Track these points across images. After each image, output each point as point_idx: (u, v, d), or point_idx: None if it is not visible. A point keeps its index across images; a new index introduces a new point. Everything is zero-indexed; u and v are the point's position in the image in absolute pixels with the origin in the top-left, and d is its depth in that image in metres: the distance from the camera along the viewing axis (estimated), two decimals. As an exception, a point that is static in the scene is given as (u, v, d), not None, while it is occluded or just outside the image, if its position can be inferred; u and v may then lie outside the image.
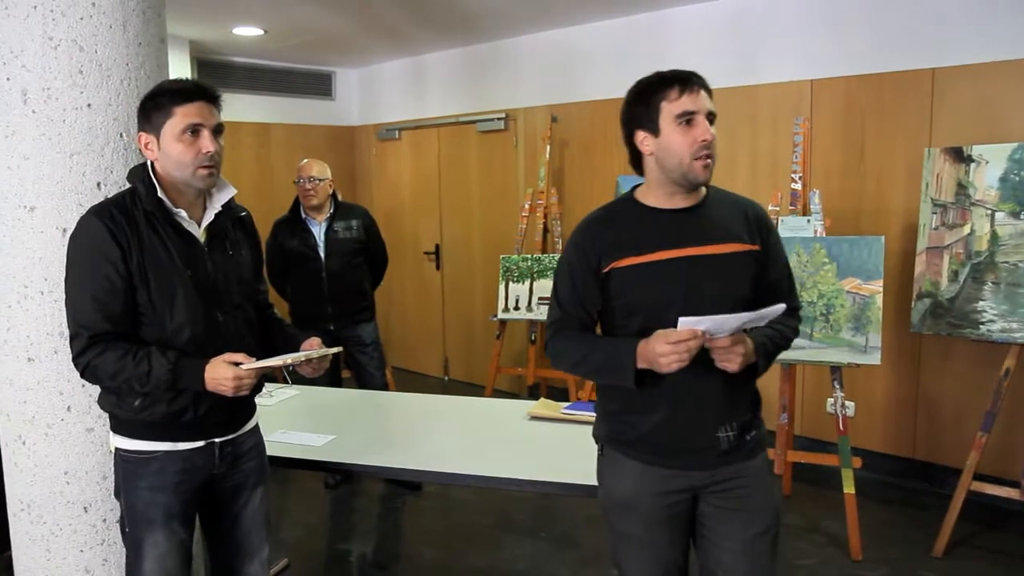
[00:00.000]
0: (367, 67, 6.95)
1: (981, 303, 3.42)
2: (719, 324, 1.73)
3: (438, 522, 3.98)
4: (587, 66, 5.34)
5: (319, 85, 6.87)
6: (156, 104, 1.92)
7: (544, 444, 2.71)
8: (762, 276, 1.92)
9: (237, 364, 1.90)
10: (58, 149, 2.14)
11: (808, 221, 3.73)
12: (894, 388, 4.25)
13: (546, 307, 5.02)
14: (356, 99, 7.11)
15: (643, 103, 1.85)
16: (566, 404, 3.05)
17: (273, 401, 3.24)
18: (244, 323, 2.09)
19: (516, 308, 5.16)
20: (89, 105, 2.15)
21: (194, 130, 1.90)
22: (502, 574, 3.44)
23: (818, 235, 3.69)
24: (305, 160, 4.23)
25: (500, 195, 6.02)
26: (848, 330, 3.57)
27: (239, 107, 6.31)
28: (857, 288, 3.57)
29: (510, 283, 5.17)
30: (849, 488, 3.45)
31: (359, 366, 4.32)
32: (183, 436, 1.99)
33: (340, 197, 4.34)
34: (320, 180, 4.15)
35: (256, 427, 2.23)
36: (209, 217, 2.03)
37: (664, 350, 1.72)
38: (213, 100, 1.95)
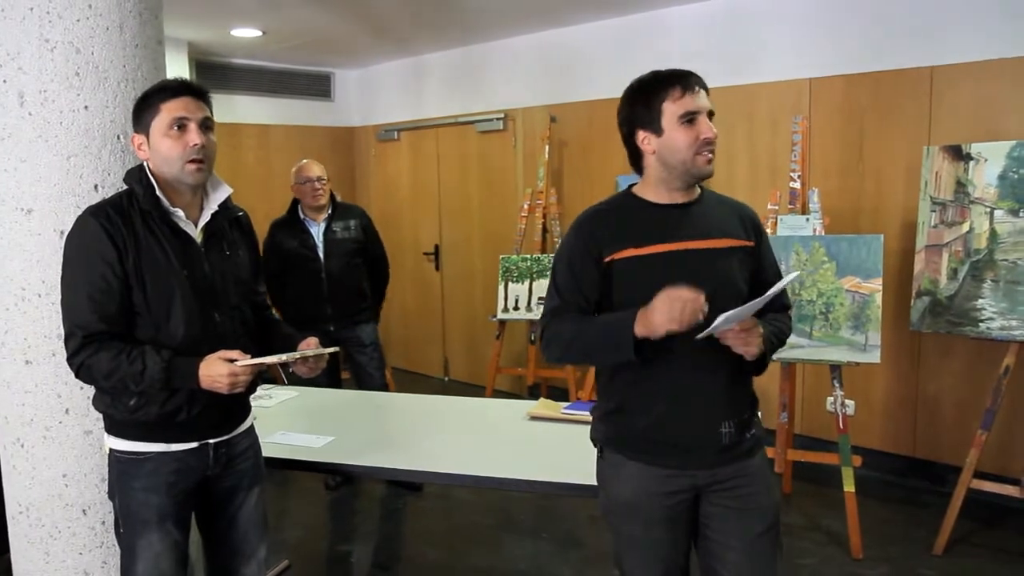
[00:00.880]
0: (366, 68, 6.95)
1: (980, 301, 3.41)
2: (739, 314, 1.75)
3: (439, 523, 3.98)
4: (585, 66, 5.33)
5: (318, 86, 6.87)
6: (145, 104, 1.93)
7: (544, 444, 2.71)
8: (756, 273, 1.96)
9: (232, 361, 1.89)
10: (55, 151, 2.13)
11: (807, 220, 3.73)
12: (894, 386, 4.25)
13: (546, 307, 5.04)
14: (355, 100, 7.11)
15: (643, 103, 1.87)
16: (566, 404, 3.05)
17: (273, 402, 3.24)
18: (241, 324, 2.09)
19: (516, 308, 5.16)
20: (86, 107, 2.15)
21: (180, 124, 1.90)
22: (503, 574, 3.44)
23: (817, 234, 3.69)
24: (304, 161, 4.23)
25: (499, 195, 6.02)
26: (847, 329, 3.56)
27: (238, 108, 6.31)
28: (856, 287, 3.57)
29: (509, 283, 5.17)
30: (849, 487, 3.45)
31: (359, 367, 4.32)
32: (177, 437, 1.99)
33: (339, 198, 4.34)
34: (326, 180, 4.18)
35: (251, 428, 2.22)
36: (206, 217, 2.02)
37: (663, 306, 1.71)
38: (199, 95, 1.95)
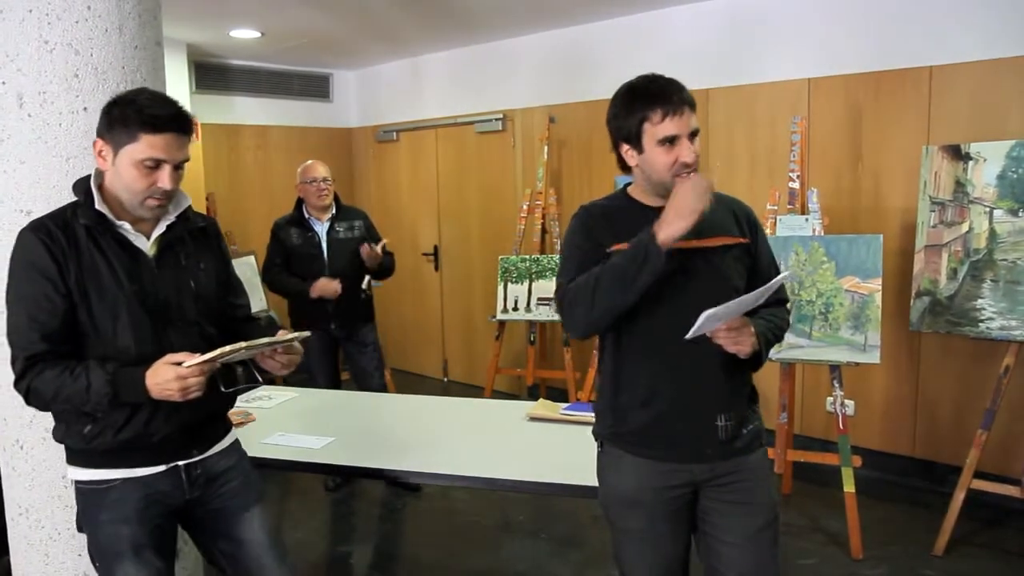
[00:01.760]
0: (365, 69, 6.94)
1: (980, 301, 3.41)
2: (735, 309, 1.75)
3: (438, 524, 3.98)
4: (585, 66, 5.33)
5: (317, 87, 6.87)
6: (123, 119, 1.76)
7: (544, 445, 2.71)
8: (753, 269, 1.96)
9: (180, 364, 1.74)
10: (54, 153, 2.14)
11: (806, 220, 3.73)
12: (893, 387, 4.25)
13: (545, 307, 5.05)
14: (354, 101, 7.11)
15: (626, 119, 1.87)
16: (565, 405, 3.05)
17: (272, 403, 3.23)
18: (201, 340, 1.91)
19: (515, 309, 5.16)
20: (85, 109, 2.15)
21: (156, 163, 1.77)
22: (502, 575, 3.44)
23: (816, 234, 3.69)
24: (310, 162, 4.26)
25: (498, 196, 6.02)
26: (847, 329, 3.56)
27: (237, 109, 6.31)
28: (856, 287, 3.57)
29: (509, 284, 5.17)
30: (849, 487, 3.45)
31: (358, 367, 4.34)
32: (141, 461, 1.86)
33: (341, 199, 4.37)
34: (331, 181, 4.23)
35: (233, 445, 2.08)
36: (160, 229, 1.89)
37: (685, 191, 1.73)
38: (187, 132, 1.82)
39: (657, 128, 1.81)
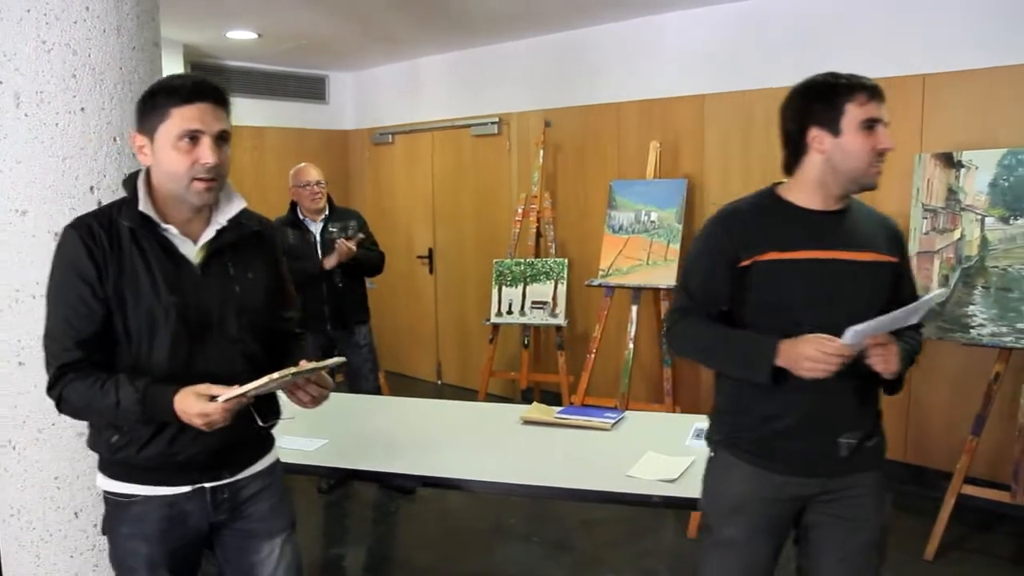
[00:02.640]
0: (361, 71, 6.95)
1: (971, 307, 3.44)
2: (886, 324, 1.71)
3: (431, 527, 3.98)
4: (581, 71, 5.35)
5: (313, 89, 6.87)
6: (152, 103, 1.66)
7: (537, 448, 2.71)
8: (896, 289, 1.89)
9: (214, 397, 1.60)
10: (51, 153, 2.13)
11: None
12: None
13: (539, 311, 5.06)
14: (350, 103, 7.11)
15: (825, 101, 1.81)
16: (559, 408, 3.06)
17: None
18: (243, 359, 1.77)
19: (509, 312, 5.16)
20: (82, 109, 2.15)
21: (192, 137, 1.64)
22: (495, 578, 3.44)
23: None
24: (302, 165, 4.28)
25: (493, 199, 6.02)
26: (840, 334, 3.57)
27: (233, 111, 6.28)
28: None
29: (503, 287, 5.17)
30: (841, 492, 3.46)
31: (353, 369, 4.34)
32: (166, 480, 1.74)
33: (335, 201, 4.38)
34: (324, 184, 4.25)
35: (270, 468, 1.93)
36: (208, 234, 1.75)
37: (814, 355, 1.68)
38: (219, 101, 1.70)
39: (862, 109, 1.77)
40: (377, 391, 4.43)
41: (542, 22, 5.18)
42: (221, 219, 1.76)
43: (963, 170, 3.48)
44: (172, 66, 5.44)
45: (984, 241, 3.42)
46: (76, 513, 2.25)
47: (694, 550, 3.57)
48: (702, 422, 2.77)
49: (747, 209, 1.90)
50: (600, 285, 4.67)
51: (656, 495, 2.28)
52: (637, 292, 4.59)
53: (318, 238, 4.22)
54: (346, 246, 4.12)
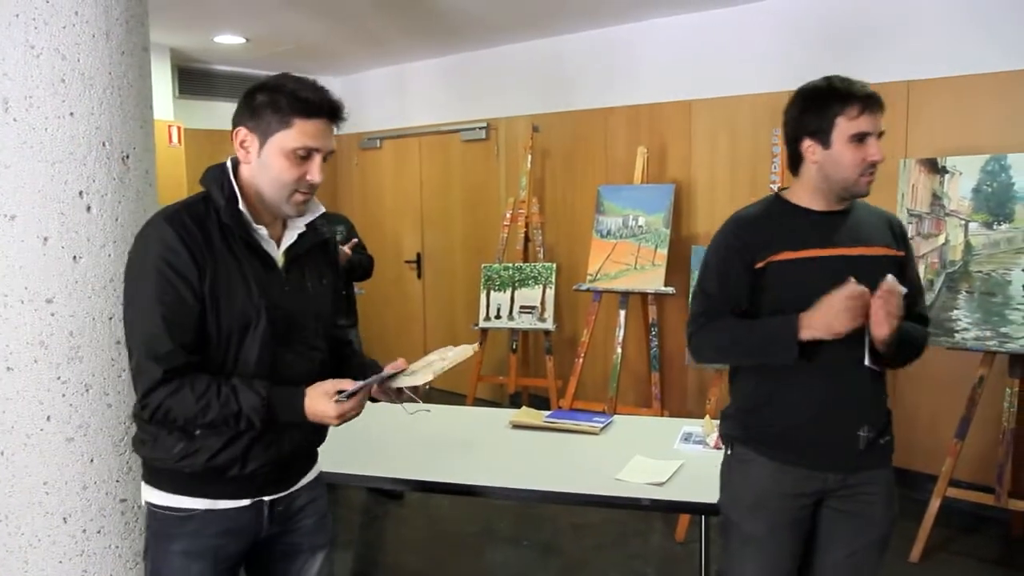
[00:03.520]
0: (349, 76, 6.95)
1: (955, 312, 3.47)
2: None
3: (420, 531, 3.97)
4: (569, 76, 5.37)
5: (301, 93, 6.85)
6: (274, 104, 1.60)
7: (526, 452, 2.71)
8: (902, 280, 1.90)
9: (340, 391, 1.62)
10: (40, 157, 2.12)
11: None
12: (871, 396, 4.29)
13: (527, 315, 5.07)
14: (338, 108, 7.10)
15: (816, 113, 1.86)
16: (548, 412, 3.06)
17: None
18: (319, 366, 1.76)
19: (497, 317, 5.17)
20: (71, 114, 2.14)
21: (307, 153, 1.61)
22: (484, 583, 3.45)
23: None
24: None
25: (481, 204, 6.04)
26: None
27: (221, 115, 6.27)
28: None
29: (491, 292, 5.18)
30: (827, 495, 3.48)
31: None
32: (226, 493, 1.66)
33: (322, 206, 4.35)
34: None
35: (317, 480, 1.88)
36: (291, 238, 1.71)
37: (843, 304, 1.74)
38: (337, 121, 1.66)
39: (852, 124, 1.83)
40: (365, 396, 4.40)
41: (530, 28, 5.21)
42: (300, 223, 1.73)
43: (947, 176, 3.52)
44: (159, 70, 5.43)
45: (968, 246, 3.46)
46: (65, 518, 2.23)
47: (682, 553, 3.59)
48: (690, 426, 2.79)
49: (756, 214, 1.98)
50: (588, 290, 4.69)
51: (645, 498, 2.29)
52: (625, 297, 4.62)
53: None
54: (340, 251, 4.10)
